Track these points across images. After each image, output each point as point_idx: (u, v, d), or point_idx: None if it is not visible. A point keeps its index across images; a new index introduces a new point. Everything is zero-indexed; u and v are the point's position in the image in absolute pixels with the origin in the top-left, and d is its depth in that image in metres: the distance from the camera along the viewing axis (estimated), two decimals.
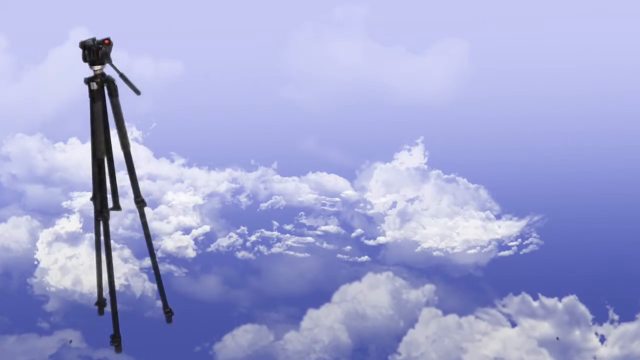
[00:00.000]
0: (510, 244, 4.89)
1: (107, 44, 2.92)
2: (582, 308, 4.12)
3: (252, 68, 6.70)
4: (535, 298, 4.19)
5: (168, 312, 3.33)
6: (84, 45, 2.90)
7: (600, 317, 4.10)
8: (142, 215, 3.21)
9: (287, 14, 7.14)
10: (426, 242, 4.90)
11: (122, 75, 2.94)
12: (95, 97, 2.97)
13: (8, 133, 5.74)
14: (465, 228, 5.04)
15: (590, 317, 4.11)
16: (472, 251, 4.84)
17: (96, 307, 3.23)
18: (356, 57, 6.47)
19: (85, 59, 2.91)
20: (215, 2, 7.39)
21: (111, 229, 5.00)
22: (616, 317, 4.07)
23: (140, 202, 3.18)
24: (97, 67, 2.93)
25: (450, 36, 6.69)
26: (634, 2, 6.91)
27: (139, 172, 5.63)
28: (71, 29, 6.43)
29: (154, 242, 4.89)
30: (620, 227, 4.98)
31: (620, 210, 5.17)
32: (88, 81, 2.99)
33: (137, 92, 2.99)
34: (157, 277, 3.22)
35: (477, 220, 5.11)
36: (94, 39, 2.92)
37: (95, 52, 2.90)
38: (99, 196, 3.10)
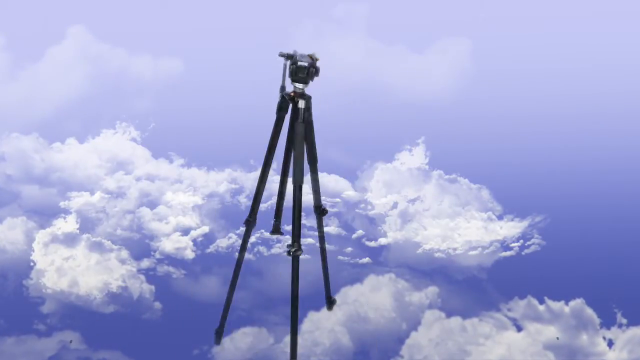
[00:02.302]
0: (512, 244, 4.87)
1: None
2: (590, 312, 4.08)
3: (252, 68, 6.67)
4: (542, 302, 4.15)
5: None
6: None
7: (608, 321, 4.06)
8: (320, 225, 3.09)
9: (287, 13, 7.11)
10: (428, 244, 4.88)
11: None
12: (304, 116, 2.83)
13: (3, 133, 5.71)
14: (467, 229, 5.02)
15: (597, 320, 4.07)
16: (474, 252, 4.82)
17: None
18: (357, 57, 6.44)
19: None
20: (215, 2, 7.36)
21: (109, 229, 5.00)
22: (624, 320, 4.03)
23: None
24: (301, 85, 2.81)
25: (451, 36, 6.66)
26: (634, 2, 6.89)
27: (137, 172, 5.63)
28: (69, 27, 6.41)
29: (152, 243, 4.89)
30: (624, 227, 4.96)
31: (624, 210, 5.15)
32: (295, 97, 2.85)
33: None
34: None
35: (478, 221, 5.08)
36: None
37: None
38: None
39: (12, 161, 5.54)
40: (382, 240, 4.90)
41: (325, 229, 5.05)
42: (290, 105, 2.83)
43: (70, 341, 3.98)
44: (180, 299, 4.43)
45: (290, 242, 2.94)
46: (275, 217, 3.13)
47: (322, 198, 5.38)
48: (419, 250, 4.82)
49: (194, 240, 4.87)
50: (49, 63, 6.34)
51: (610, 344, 3.99)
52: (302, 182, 2.87)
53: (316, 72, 2.80)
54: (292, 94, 2.82)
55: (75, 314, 4.26)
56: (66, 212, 5.03)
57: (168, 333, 4.15)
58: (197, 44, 6.93)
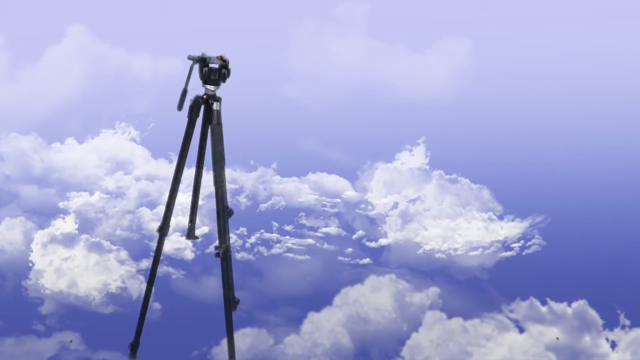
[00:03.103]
0: (513, 245, 4.85)
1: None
2: (592, 313, 4.07)
3: (252, 67, 6.65)
4: (544, 303, 4.14)
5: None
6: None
7: (611, 322, 4.05)
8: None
9: (287, 13, 7.10)
10: (428, 244, 4.86)
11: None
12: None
13: (2, 132, 5.69)
14: (468, 229, 5.01)
15: (600, 322, 4.06)
16: (475, 253, 4.80)
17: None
18: (357, 56, 6.42)
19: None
20: (215, 2, 7.35)
21: (108, 230, 4.98)
22: (627, 322, 4.02)
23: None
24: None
25: (452, 35, 6.65)
26: (635, 2, 6.89)
27: (136, 172, 5.61)
28: (68, 27, 6.39)
29: (151, 244, 4.87)
30: (626, 227, 4.94)
31: (626, 210, 5.13)
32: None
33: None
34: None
35: (479, 222, 5.07)
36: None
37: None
38: None
39: (11, 161, 5.53)
40: (383, 241, 4.89)
41: (326, 229, 5.06)
42: (203, 108, 2.84)
43: (71, 341, 3.98)
44: (180, 300, 4.41)
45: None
46: (190, 221, 3.08)
47: (322, 198, 5.38)
48: (419, 250, 4.81)
49: (194, 241, 4.86)
50: (49, 63, 6.33)
51: (613, 345, 3.98)
52: (223, 184, 2.85)
53: (227, 74, 2.81)
54: (204, 96, 2.83)
55: (74, 314, 4.25)
56: (65, 212, 5.02)
57: (167, 333, 4.14)
58: (197, 44, 6.90)
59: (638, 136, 5.91)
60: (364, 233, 4.92)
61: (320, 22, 6.70)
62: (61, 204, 5.09)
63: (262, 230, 4.93)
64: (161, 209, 5.15)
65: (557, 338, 4.01)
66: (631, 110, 6.22)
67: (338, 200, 5.25)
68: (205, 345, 3.98)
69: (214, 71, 2.74)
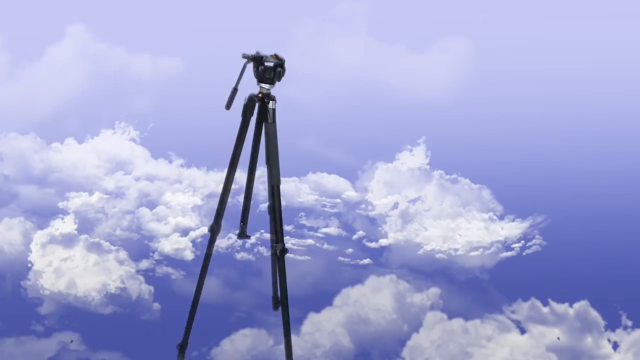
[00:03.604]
0: (514, 245, 4.84)
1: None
2: (594, 314, 4.06)
3: (252, 67, 6.64)
4: (545, 304, 4.13)
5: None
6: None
7: (612, 323, 4.04)
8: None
9: (287, 13, 7.09)
10: (429, 244, 4.85)
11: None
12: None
13: (1, 132, 5.69)
14: (468, 230, 5.00)
15: (602, 323, 4.05)
16: (475, 253, 4.80)
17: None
18: (357, 56, 6.41)
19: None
20: (215, 2, 7.34)
21: (108, 230, 4.97)
22: (629, 322, 4.00)
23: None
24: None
25: (452, 35, 6.63)
26: (635, 2, 6.88)
27: (136, 172, 5.61)
28: (68, 26, 6.38)
29: (151, 244, 4.86)
30: (627, 227, 4.93)
31: (626, 210, 5.12)
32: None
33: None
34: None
35: (479, 222, 5.06)
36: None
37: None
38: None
39: (10, 161, 5.52)
40: (383, 241, 4.88)
41: (326, 229, 5.05)
42: (257, 107, 2.84)
43: (71, 341, 3.97)
44: (179, 300, 4.40)
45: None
46: (242, 222, 3.07)
47: (322, 198, 5.36)
48: (420, 251, 4.80)
49: (193, 241, 4.85)
50: (48, 62, 6.32)
51: (615, 346, 3.96)
52: (279, 182, 2.84)
53: (282, 72, 2.81)
54: (259, 95, 2.83)
55: (74, 314, 4.24)
56: (64, 212, 5.01)
57: (167, 334, 4.13)
58: (197, 44, 6.91)
59: (638, 136, 5.91)
60: (364, 233, 4.91)
61: (320, 22, 6.69)
62: (60, 204, 5.08)
63: (262, 231, 4.91)
64: (161, 209, 5.16)
65: (558, 338, 4.00)
66: (631, 110, 6.22)
67: (338, 200, 5.24)
68: (205, 346, 3.97)
69: (269, 70, 2.73)
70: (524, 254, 4.78)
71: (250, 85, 2.89)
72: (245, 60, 2.77)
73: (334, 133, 5.82)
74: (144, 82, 6.45)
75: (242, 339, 3.99)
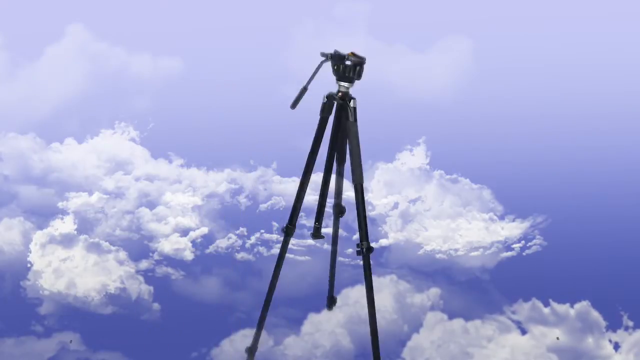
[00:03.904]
0: (514, 245, 4.84)
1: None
2: (595, 314, 4.05)
3: (252, 67, 6.64)
4: (546, 304, 4.12)
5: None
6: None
7: (614, 324, 4.03)
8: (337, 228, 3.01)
9: (287, 13, 7.08)
10: (429, 245, 4.84)
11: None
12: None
13: (0, 132, 5.68)
14: (468, 230, 4.99)
15: (603, 323, 4.04)
16: (476, 253, 4.79)
17: None
18: None
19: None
20: (215, 2, 7.33)
21: (108, 230, 4.97)
22: (630, 323, 3.99)
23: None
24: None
25: (453, 35, 6.63)
26: (635, 2, 6.88)
27: (136, 172, 5.60)
28: (67, 26, 6.37)
29: (150, 244, 4.86)
30: (628, 227, 4.93)
31: (627, 210, 5.12)
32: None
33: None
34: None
35: (480, 222, 5.05)
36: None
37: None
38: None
39: (10, 161, 5.51)
40: (383, 242, 4.86)
41: (326, 229, 5.02)
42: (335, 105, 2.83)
43: (71, 341, 3.96)
44: (179, 300, 4.40)
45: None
46: (316, 221, 3.07)
47: None
48: (420, 251, 4.79)
49: (193, 242, 4.84)
50: (47, 62, 6.31)
51: (616, 347, 3.95)
52: (362, 181, 2.84)
53: (361, 71, 2.80)
54: (340, 93, 2.82)
55: (74, 315, 4.23)
56: (64, 212, 5.00)
57: (167, 334, 4.12)
58: (197, 44, 6.90)
59: (638, 136, 5.91)
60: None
61: (320, 22, 6.68)
62: (60, 204, 5.07)
63: (262, 231, 4.91)
64: (161, 209, 5.15)
65: (557, 338, 3.99)
66: (631, 110, 6.22)
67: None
68: (204, 346, 3.96)
69: (349, 68, 2.73)
70: (524, 254, 4.77)
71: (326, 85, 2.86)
72: (324, 58, 2.77)
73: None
74: (143, 82, 6.45)
75: (242, 339, 3.98)
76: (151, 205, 5.13)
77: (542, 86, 6.63)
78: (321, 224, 3.09)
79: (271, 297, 2.96)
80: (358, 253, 2.84)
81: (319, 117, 2.88)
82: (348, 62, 2.79)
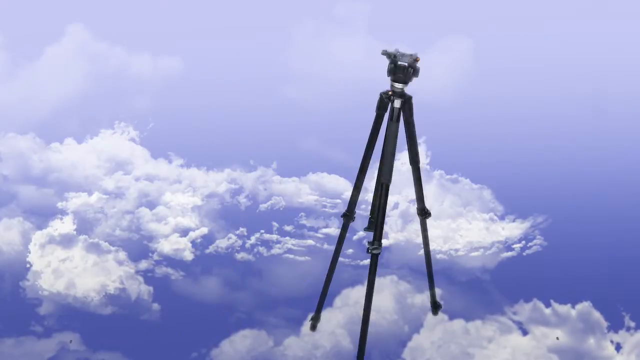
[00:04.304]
0: (514, 246, 4.83)
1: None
2: (597, 315, 4.04)
3: (252, 67, 6.64)
4: (548, 305, 4.11)
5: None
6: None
7: (615, 324, 4.02)
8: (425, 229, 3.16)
9: (287, 13, 7.08)
10: (430, 245, 4.82)
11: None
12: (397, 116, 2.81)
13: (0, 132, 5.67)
14: (469, 230, 4.98)
15: (605, 324, 4.03)
16: (476, 253, 4.78)
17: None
18: (358, 56, 6.39)
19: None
20: (215, 2, 7.33)
21: (107, 230, 4.96)
22: (632, 324, 3.99)
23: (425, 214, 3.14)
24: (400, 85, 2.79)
25: (453, 35, 6.62)
26: (635, 2, 6.87)
27: (136, 172, 5.60)
28: (67, 25, 6.37)
29: (150, 245, 4.85)
30: (628, 227, 4.92)
31: (628, 210, 5.11)
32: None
33: None
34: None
35: (480, 222, 5.04)
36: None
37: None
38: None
39: (9, 161, 5.50)
40: (384, 242, 4.84)
41: (326, 230, 5.02)
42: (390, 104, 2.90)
43: (70, 341, 3.96)
44: (179, 301, 4.39)
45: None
46: (370, 214, 3.31)
47: (323, 198, 5.34)
48: (420, 251, 4.77)
49: (193, 242, 4.83)
50: (47, 62, 6.30)
51: (618, 347, 3.94)
52: (389, 181, 2.89)
53: (414, 72, 2.82)
54: (390, 92, 2.86)
55: (73, 315, 4.23)
56: (63, 212, 4.99)
57: (166, 335, 4.12)
58: (197, 44, 6.89)
59: (639, 136, 5.90)
60: (365, 234, 4.88)
61: (320, 22, 6.68)
62: (59, 205, 5.06)
63: (262, 231, 4.90)
64: (161, 209, 5.15)
65: (557, 338, 3.98)
66: (631, 110, 6.21)
67: (338, 200, 5.22)
68: (204, 347, 3.96)
69: (401, 68, 2.78)
70: (524, 254, 4.76)
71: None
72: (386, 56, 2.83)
73: (334, 133, 5.80)
74: (143, 82, 6.44)
75: (242, 340, 3.97)
76: (151, 206, 5.12)
77: (542, 86, 6.62)
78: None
79: (331, 277, 3.33)
80: (368, 251, 2.93)
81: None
82: (403, 63, 2.84)
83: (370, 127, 3.01)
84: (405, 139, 3.05)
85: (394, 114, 2.91)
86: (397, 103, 2.88)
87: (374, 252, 2.99)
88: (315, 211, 5.14)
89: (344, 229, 3.23)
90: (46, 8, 6.84)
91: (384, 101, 2.92)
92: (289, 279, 4.53)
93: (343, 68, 6.29)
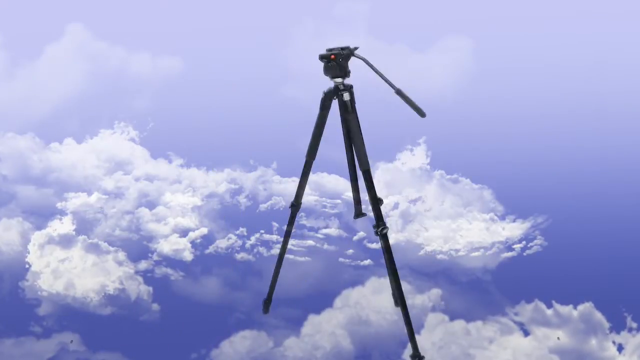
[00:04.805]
0: (515, 246, 4.82)
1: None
2: (599, 315, 4.03)
3: (252, 67, 6.63)
4: (549, 305, 4.10)
5: None
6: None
7: (617, 325, 4.01)
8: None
9: (287, 12, 7.07)
10: (430, 245, 4.82)
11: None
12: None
13: None
14: (469, 230, 4.97)
15: (607, 325, 4.02)
16: (476, 254, 4.77)
17: None
18: None
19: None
20: (215, 2, 7.32)
21: (107, 230, 4.95)
22: (634, 324, 3.97)
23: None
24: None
25: (453, 34, 6.61)
26: (635, 2, 6.87)
27: (136, 172, 5.59)
28: (67, 25, 6.36)
29: (150, 245, 4.84)
30: (629, 227, 4.91)
31: (629, 210, 5.10)
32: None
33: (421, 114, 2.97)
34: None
35: (480, 222, 5.03)
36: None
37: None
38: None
39: (9, 161, 5.50)
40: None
41: (326, 230, 5.02)
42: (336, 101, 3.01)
43: (71, 341, 3.95)
44: (179, 301, 4.38)
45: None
46: (355, 204, 3.46)
47: (323, 199, 5.33)
48: (420, 252, 4.77)
49: (193, 242, 4.83)
50: (47, 61, 6.29)
51: (620, 348, 3.93)
52: (368, 166, 3.00)
53: (342, 61, 2.92)
54: (333, 89, 2.96)
55: (73, 315, 4.22)
56: (63, 213, 4.99)
57: (166, 335, 4.11)
58: (197, 44, 6.89)
59: (639, 136, 5.89)
60: (365, 234, 4.87)
61: (320, 22, 6.67)
62: (59, 205, 5.06)
63: (262, 231, 4.90)
64: (161, 209, 5.14)
65: (558, 338, 3.97)
66: (631, 110, 6.20)
67: (338, 200, 5.21)
68: (204, 347, 3.95)
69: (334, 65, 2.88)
70: (524, 254, 4.76)
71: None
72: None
73: (334, 133, 5.79)
74: (143, 81, 6.43)
75: (242, 341, 3.96)
76: (151, 206, 5.12)
77: (542, 86, 6.61)
78: (360, 206, 3.33)
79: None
80: (376, 233, 3.00)
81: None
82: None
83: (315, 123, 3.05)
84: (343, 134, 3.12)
85: (348, 106, 3.01)
86: (346, 96, 3.00)
87: (383, 232, 3.06)
88: (315, 211, 5.13)
89: (292, 219, 3.34)
90: (46, 7, 6.84)
91: (328, 100, 3.02)
92: (289, 280, 4.51)
93: None
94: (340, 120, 3.13)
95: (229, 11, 7.20)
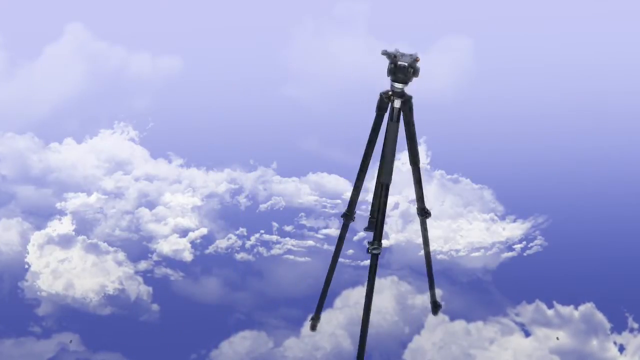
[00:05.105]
0: (515, 246, 4.81)
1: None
2: (600, 316, 4.03)
3: (252, 67, 6.63)
4: (550, 306, 4.09)
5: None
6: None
7: (618, 326, 4.01)
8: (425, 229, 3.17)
9: (287, 12, 7.07)
10: (430, 245, 4.81)
11: None
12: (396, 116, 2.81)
13: None
14: (469, 230, 4.97)
15: (608, 325, 4.02)
16: (477, 254, 4.76)
17: None
18: (358, 56, 6.38)
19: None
20: (215, 2, 7.32)
21: (107, 230, 4.95)
22: (635, 325, 3.97)
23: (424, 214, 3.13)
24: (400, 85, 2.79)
25: (453, 34, 6.61)
26: (635, 2, 6.87)
27: (136, 172, 5.58)
28: (67, 24, 6.35)
29: (150, 245, 4.84)
30: (629, 227, 4.91)
31: (629, 210, 5.10)
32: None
33: None
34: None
35: (480, 222, 5.03)
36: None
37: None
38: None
39: (8, 161, 5.49)
40: (384, 242, 4.82)
41: (326, 230, 5.01)
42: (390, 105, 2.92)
43: (70, 341, 3.95)
44: (179, 301, 4.38)
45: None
46: (370, 215, 3.30)
47: (323, 199, 5.32)
48: (421, 252, 4.76)
49: (192, 242, 4.82)
50: (46, 61, 6.29)
51: (621, 349, 3.93)
52: (389, 181, 2.91)
53: (414, 72, 2.83)
54: (390, 93, 2.88)
55: (72, 316, 4.21)
56: (62, 213, 4.98)
57: (166, 335, 4.11)
58: (197, 44, 6.88)
59: (639, 136, 5.89)
60: (365, 234, 4.86)
61: (320, 22, 6.67)
62: (58, 205, 5.05)
63: (262, 231, 4.89)
64: (160, 210, 5.13)
65: (557, 338, 3.97)
66: (631, 110, 6.20)
67: (339, 201, 5.21)
68: (204, 348, 3.95)
69: (401, 68, 2.79)
70: (525, 254, 4.75)
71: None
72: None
73: (334, 133, 5.79)
74: (143, 81, 6.43)
75: (242, 341, 3.96)
76: (150, 206, 5.11)
77: (542, 86, 6.61)
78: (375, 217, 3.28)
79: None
80: (368, 251, 2.95)
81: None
82: (403, 63, 2.85)
83: (370, 127, 3.00)
84: (405, 139, 3.04)
85: (394, 114, 2.91)
86: (397, 103, 2.89)
87: (374, 252, 3.01)
88: (315, 211, 5.12)
89: (344, 229, 3.23)
90: (45, 7, 6.83)
91: (384, 101, 2.92)
92: (289, 280, 4.51)
93: (343, 68, 6.28)
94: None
95: (229, 11, 7.20)
